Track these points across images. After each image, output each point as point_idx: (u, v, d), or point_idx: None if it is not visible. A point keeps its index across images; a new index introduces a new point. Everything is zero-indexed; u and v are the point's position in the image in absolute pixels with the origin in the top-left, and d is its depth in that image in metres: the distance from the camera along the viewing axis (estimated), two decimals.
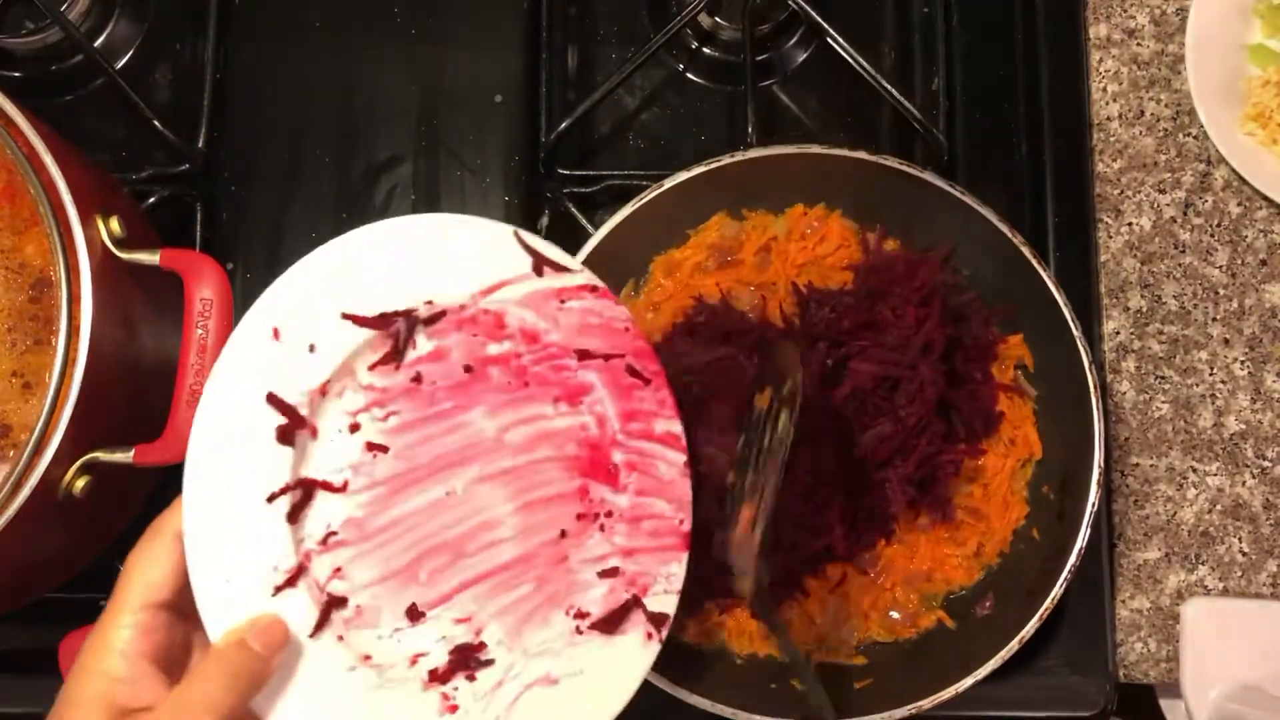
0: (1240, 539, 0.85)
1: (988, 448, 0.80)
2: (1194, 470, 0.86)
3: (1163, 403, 0.86)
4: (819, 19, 0.87)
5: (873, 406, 0.77)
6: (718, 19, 0.90)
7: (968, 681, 0.73)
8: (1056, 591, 0.74)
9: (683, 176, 0.78)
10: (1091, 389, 0.75)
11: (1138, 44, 0.91)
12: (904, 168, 0.77)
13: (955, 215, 0.78)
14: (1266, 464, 0.86)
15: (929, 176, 0.77)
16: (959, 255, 0.81)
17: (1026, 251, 0.77)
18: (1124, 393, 0.87)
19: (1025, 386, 0.81)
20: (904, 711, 0.73)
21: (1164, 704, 0.88)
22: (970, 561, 0.80)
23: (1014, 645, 0.74)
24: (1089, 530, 0.74)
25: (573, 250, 0.78)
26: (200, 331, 0.70)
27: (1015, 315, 0.80)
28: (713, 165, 0.78)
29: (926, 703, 0.73)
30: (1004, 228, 0.77)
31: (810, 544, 0.76)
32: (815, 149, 0.78)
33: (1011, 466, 0.80)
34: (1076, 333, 0.76)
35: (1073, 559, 0.74)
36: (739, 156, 0.78)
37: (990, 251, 0.78)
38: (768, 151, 0.78)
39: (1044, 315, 0.77)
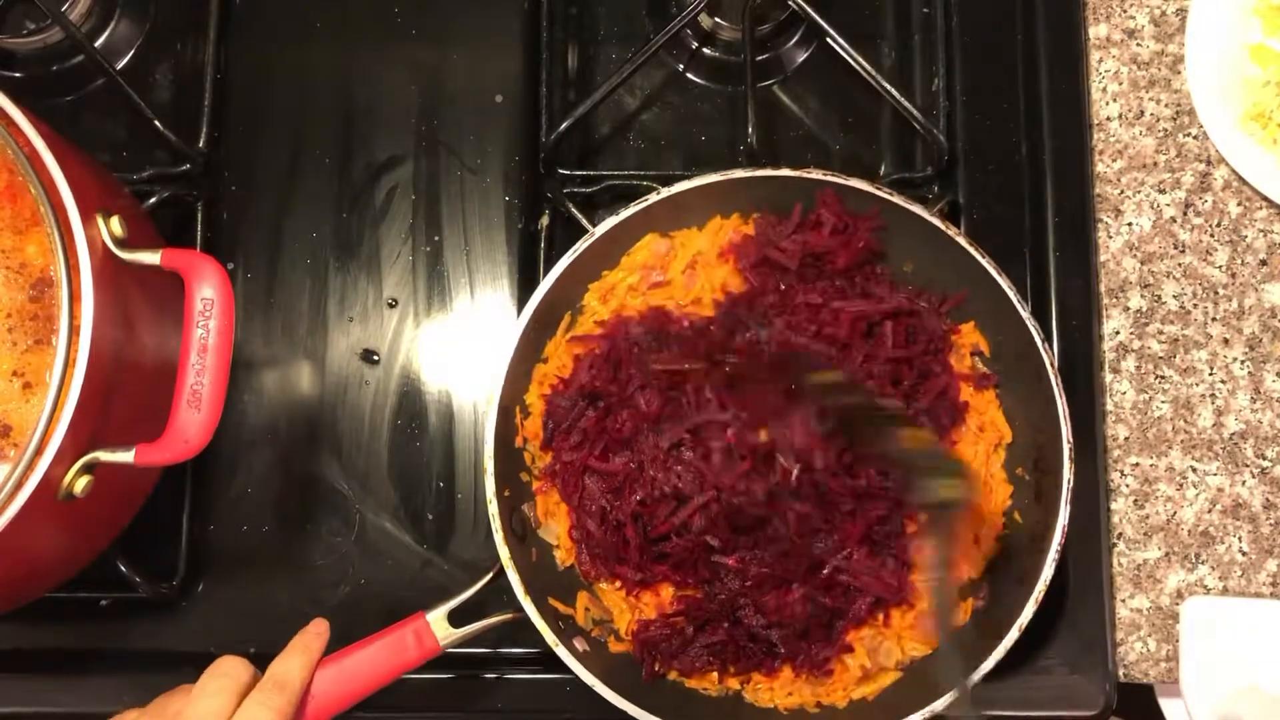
0: (1240, 539, 0.85)
1: (958, 438, 0.80)
2: (1194, 470, 0.86)
3: (1162, 402, 0.87)
4: (819, 19, 0.87)
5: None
6: (718, 19, 0.90)
7: (975, 676, 0.74)
8: (1047, 573, 0.74)
9: (612, 222, 0.79)
10: (1048, 365, 0.76)
11: (1137, 44, 0.91)
12: (829, 177, 0.78)
13: (884, 213, 0.79)
14: (1266, 464, 0.86)
15: (856, 183, 0.78)
16: (896, 250, 0.81)
17: (962, 241, 0.77)
18: (1124, 392, 0.87)
19: (985, 370, 0.81)
20: (921, 716, 0.73)
21: (1164, 704, 0.88)
22: (973, 551, 0.80)
23: (1014, 634, 0.74)
24: (1069, 507, 0.75)
25: (525, 293, 0.79)
26: (201, 331, 0.70)
27: (964, 301, 0.81)
28: (639, 207, 0.79)
29: (939, 704, 0.73)
30: (928, 215, 0.78)
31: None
32: (738, 174, 0.79)
33: (985, 452, 0.81)
34: (1024, 313, 0.77)
35: (1057, 538, 0.75)
36: (665, 193, 0.79)
37: (924, 243, 0.79)
38: (690, 185, 0.79)
39: (989, 298, 0.78)
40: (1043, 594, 0.74)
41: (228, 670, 0.67)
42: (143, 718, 0.68)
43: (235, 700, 0.66)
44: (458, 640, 0.75)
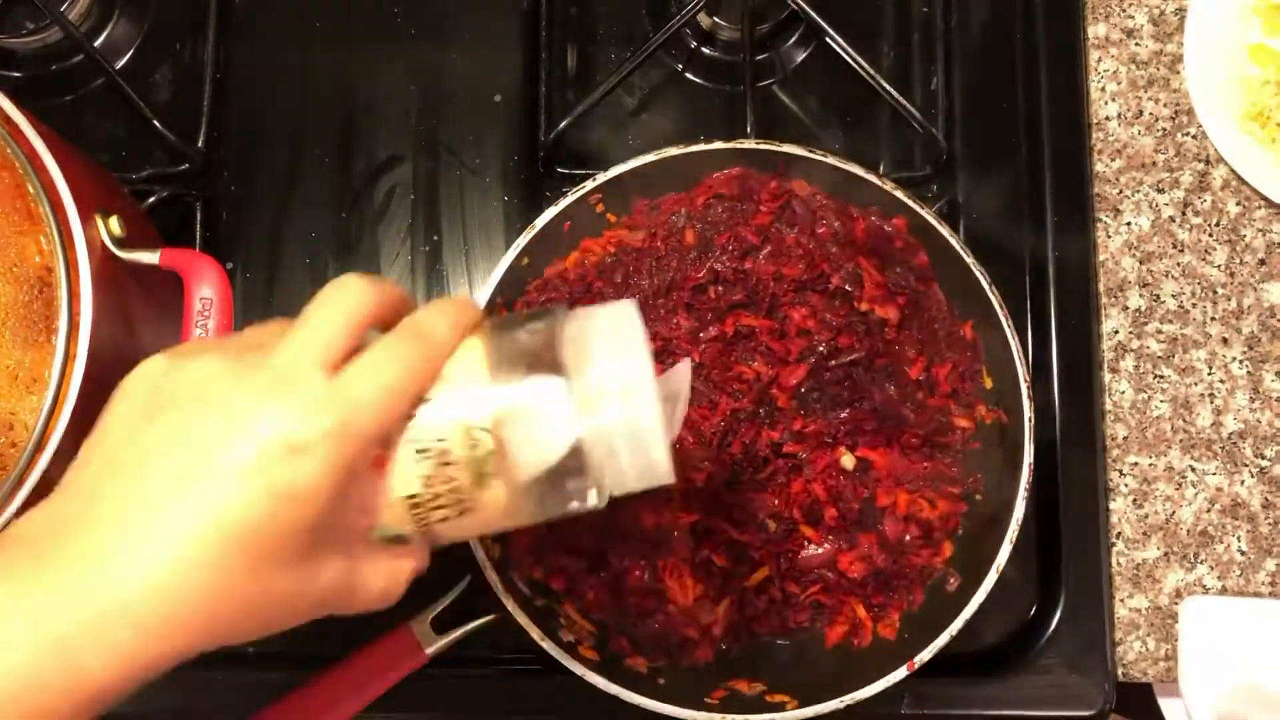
0: (1239, 538, 0.85)
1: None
2: (1193, 469, 0.86)
3: (1161, 402, 0.87)
4: (818, 19, 0.87)
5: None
6: (717, 19, 0.90)
7: (957, 624, 0.73)
8: (1019, 513, 0.74)
9: (550, 214, 0.78)
10: (997, 307, 0.76)
11: (1136, 43, 0.91)
12: (799, 152, 0.78)
13: (837, 181, 0.79)
14: (1265, 463, 0.86)
15: (823, 157, 0.78)
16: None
17: (886, 185, 0.77)
18: (1123, 392, 0.87)
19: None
20: (903, 672, 0.73)
21: (1163, 703, 0.88)
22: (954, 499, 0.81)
23: (993, 575, 0.74)
24: (1033, 445, 0.75)
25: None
26: (200, 331, 0.70)
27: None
28: (579, 194, 0.78)
29: (926, 654, 0.73)
30: (865, 173, 0.78)
31: None
32: (699, 148, 0.78)
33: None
34: (968, 258, 0.77)
35: (1025, 475, 0.75)
36: (613, 172, 0.78)
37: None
38: (645, 160, 0.78)
39: (938, 250, 0.78)
40: (1017, 534, 0.74)
41: (351, 292, 0.48)
42: (227, 342, 0.49)
43: (352, 336, 0.47)
44: (444, 648, 0.75)
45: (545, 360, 0.49)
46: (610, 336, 0.50)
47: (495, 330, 0.50)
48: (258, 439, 0.43)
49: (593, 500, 0.50)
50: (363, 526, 0.49)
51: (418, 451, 0.48)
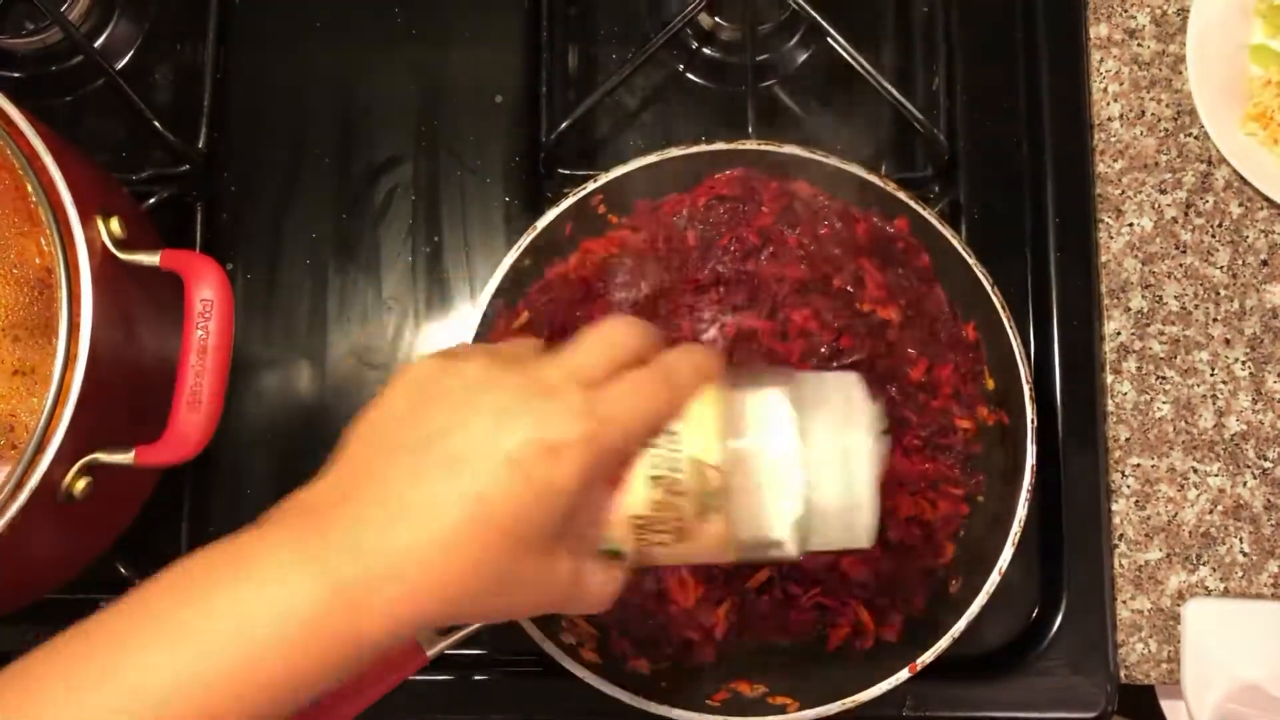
0: (1241, 540, 0.85)
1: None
2: (1195, 471, 0.86)
3: (1164, 403, 0.86)
4: (819, 19, 0.87)
5: None
6: (718, 19, 0.90)
7: (959, 626, 0.73)
8: (1021, 512, 0.74)
9: (553, 214, 0.78)
10: (1000, 309, 0.76)
11: (1138, 44, 0.91)
12: (800, 152, 0.78)
13: (826, 180, 0.79)
14: (1267, 464, 0.86)
15: (821, 156, 0.78)
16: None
17: (891, 187, 0.77)
18: (1125, 393, 0.87)
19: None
20: (905, 674, 0.73)
21: (1165, 705, 0.88)
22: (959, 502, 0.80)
23: (995, 577, 0.73)
24: (1034, 447, 0.75)
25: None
26: (200, 332, 0.70)
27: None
28: (575, 198, 0.78)
29: (928, 656, 0.73)
30: (857, 170, 0.78)
31: None
32: (698, 149, 0.79)
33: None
34: (971, 259, 0.76)
35: (1027, 476, 0.74)
36: (606, 178, 0.78)
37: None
38: (638, 164, 0.78)
39: (938, 249, 0.78)
40: (1019, 536, 0.74)
41: (618, 333, 0.55)
42: (492, 350, 0.55)
43: (612, 369, 0.54)
44: (445, 648, 0.75)
45: (776, 417, 0.54)
46: (836, 402, 0.55)
47: (733, 381, 0.55)
48: (522, 436, 0.49)
49: (791, 551, 0.55)
50: (592, 536, 0.54)
51: (652, 478, 0.53)
